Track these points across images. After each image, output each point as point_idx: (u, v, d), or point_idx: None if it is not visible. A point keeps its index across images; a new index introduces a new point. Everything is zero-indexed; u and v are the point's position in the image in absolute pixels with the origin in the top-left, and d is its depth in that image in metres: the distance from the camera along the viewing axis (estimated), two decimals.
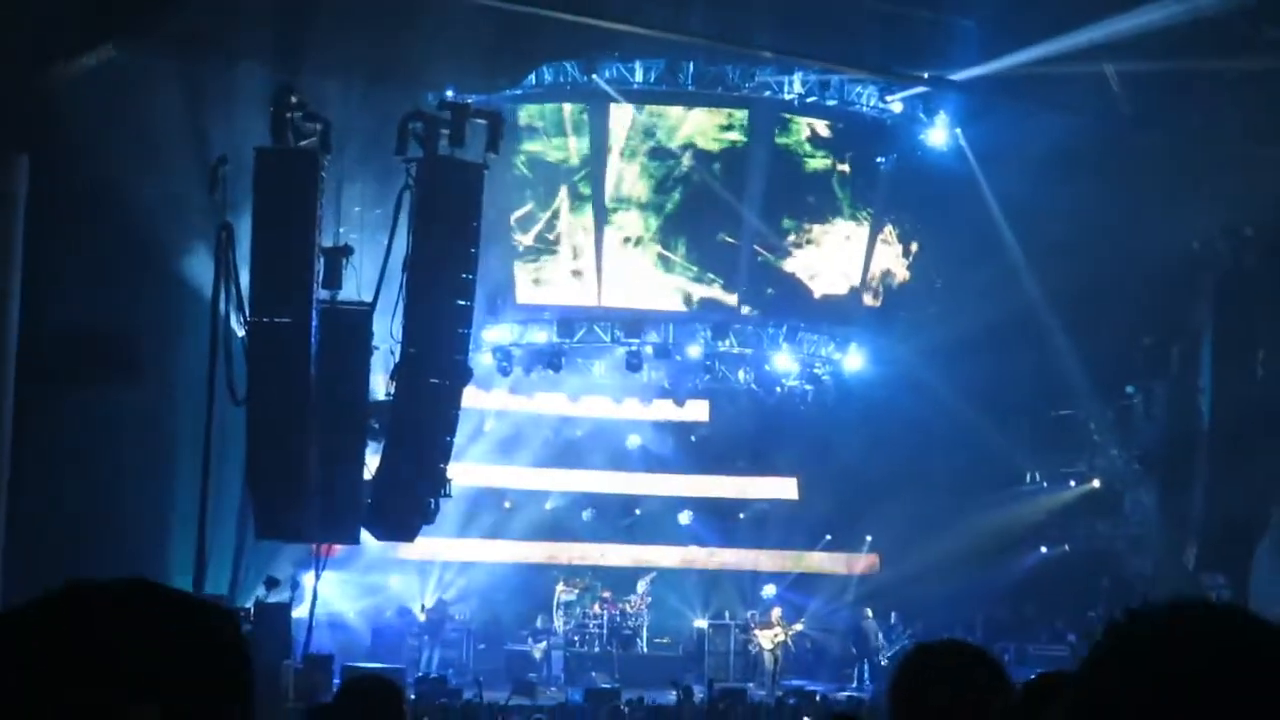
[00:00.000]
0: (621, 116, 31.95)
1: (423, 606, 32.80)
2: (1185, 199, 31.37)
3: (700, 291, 33.25)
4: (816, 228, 33.59)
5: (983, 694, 4.16)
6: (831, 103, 32.18)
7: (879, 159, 33.33)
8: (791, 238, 33.43)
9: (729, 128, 32.38)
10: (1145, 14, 25.75)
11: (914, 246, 34.63)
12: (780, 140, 32.54)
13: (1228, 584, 32.89)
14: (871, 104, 32.53)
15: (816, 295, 33.93)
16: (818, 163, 33.12)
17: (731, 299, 33.32)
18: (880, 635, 34.17)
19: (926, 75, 30.59)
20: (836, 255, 33.89)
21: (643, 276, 33.04)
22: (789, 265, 33.57)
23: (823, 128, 32.91)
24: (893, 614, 34.66)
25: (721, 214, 32.51)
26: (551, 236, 32.90)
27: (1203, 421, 33.26)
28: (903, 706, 4.23)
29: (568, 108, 32.15)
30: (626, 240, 32.79)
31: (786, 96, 31.97)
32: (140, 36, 23.10)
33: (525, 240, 32.90)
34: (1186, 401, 33.73)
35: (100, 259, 25.69)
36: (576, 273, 32.99)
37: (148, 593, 2.37)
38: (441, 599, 33.33)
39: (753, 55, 30.16)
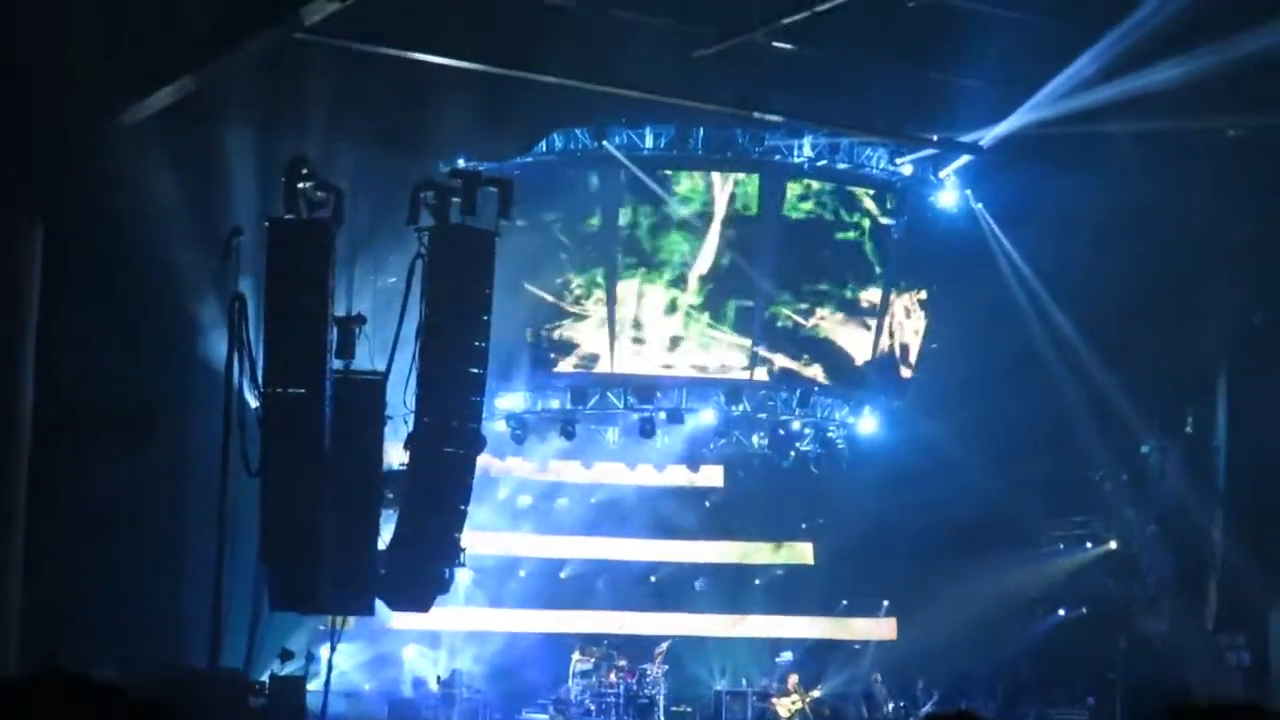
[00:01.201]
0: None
1: (438, 678, 32.57)
2: (1199, 256, 31.42)
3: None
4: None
5: None
6: (842, 165, 32.23)
7: (890, 224, 33.30)
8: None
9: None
10: (1154, 73, 25.81)
11: (926, 313, 34.57)
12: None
13: (1245, 644, 32.73)
14: (881, 166, 32.57)
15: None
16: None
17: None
18: (889, 702, 34.00)
19: (936, 137, 30.69)
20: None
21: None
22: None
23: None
24: (920, 680, 34.40)
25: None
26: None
27: (1219, 480, 33.17)
28: None
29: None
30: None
31: (796, 160, 32.01)
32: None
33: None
34: (1202, 461, 33.65)
35: (115, 328, 25.70)
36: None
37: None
38: (456, 669, 33.13)
39: (762, 120, 30.17)
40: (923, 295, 34.42)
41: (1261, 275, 32.27)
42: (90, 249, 24.73)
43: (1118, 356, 32.92)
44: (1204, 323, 33.37)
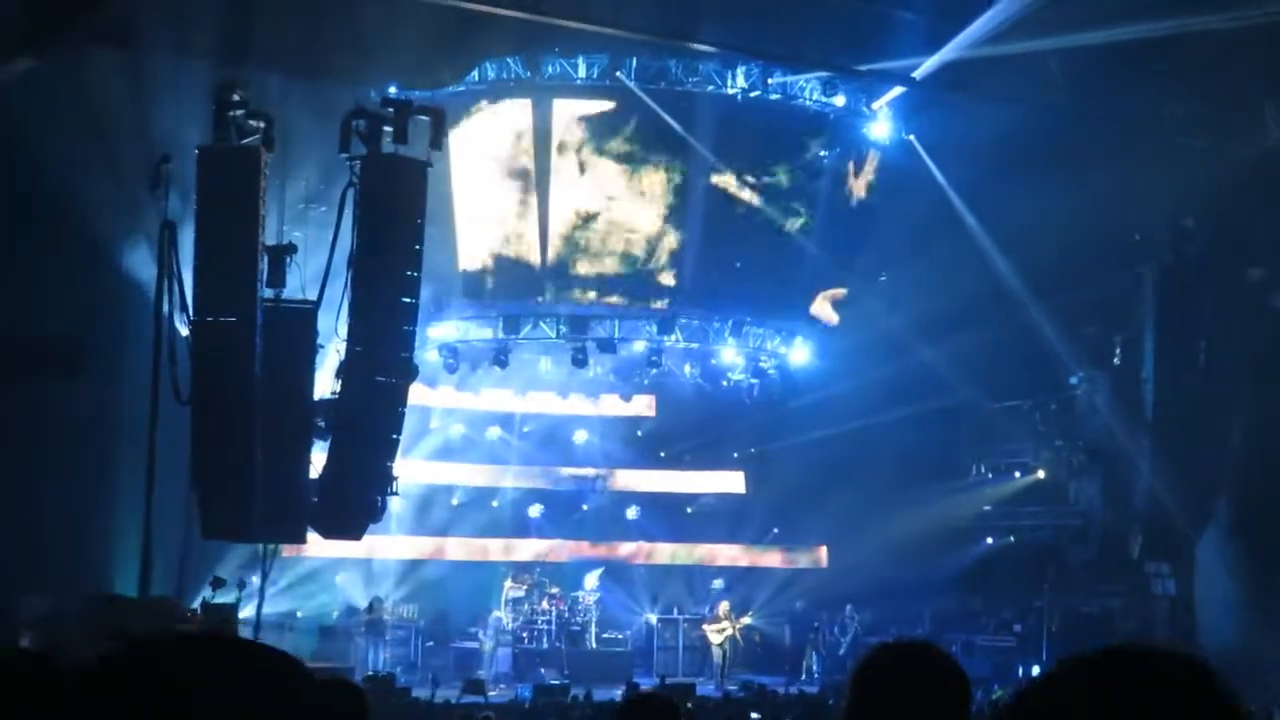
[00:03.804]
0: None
1: (369, 605, 32.65)
2: (1128, 189, 31.62)
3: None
4: None
5: (952, 701, 4.10)
6: (775, 97, 32.17)
7: (822, 154, 33.31)
8: None
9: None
10: (1085, 6, 25.94)
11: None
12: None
13: (1171, 574, 33.12)
14: (814, 98, 32.53)
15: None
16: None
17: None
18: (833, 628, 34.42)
19: (868, 69, 30.75)
20: None
21: None
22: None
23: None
24: (848, 606, 34.73)
25: None
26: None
27: (1146, 411, 33.48)
28: (868, 706, 4.17)
29: None
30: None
31: (729, 90, 31.93)
32: (67, 43, 22.93)
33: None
34: (1130, 392, 33.94)
35: (43, 259, 25.54)
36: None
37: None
38: (378, 596, 33.18)
39: (695, 51, 30.11)
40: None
41: (1190, 206, 32.52)
42: (7, 182, 24.56)
43: (1048, 288, 33.13)
44: (1133, 255, 33.65)
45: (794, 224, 33.47)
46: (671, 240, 32.91)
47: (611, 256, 33.07)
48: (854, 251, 34.55)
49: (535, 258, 32.82)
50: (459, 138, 31.04)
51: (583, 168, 32.22)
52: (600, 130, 32.09)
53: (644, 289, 33.53)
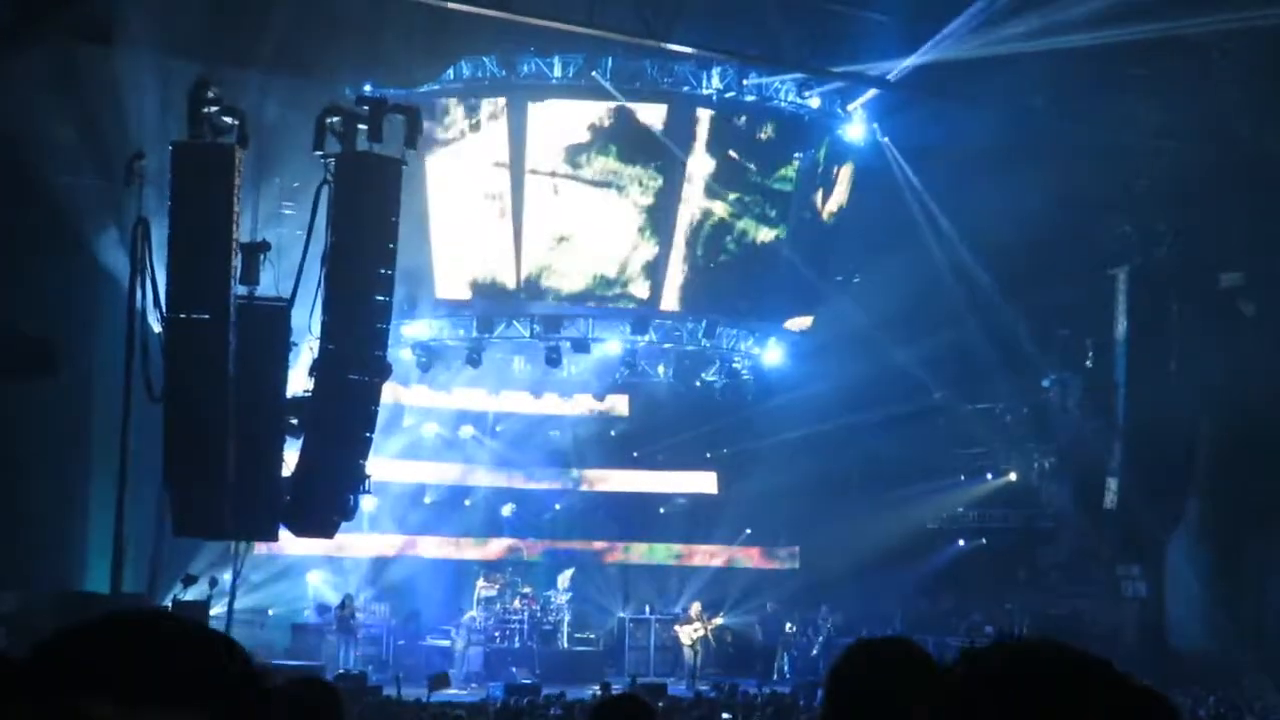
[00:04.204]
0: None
1: (341, 603, 32.61)
2: (1100, 193, 31.74)
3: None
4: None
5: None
6: (750, 98, 32.20)
7: (796, 155, 33.34)
8: None
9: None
10: (1062, 10, 26.02)
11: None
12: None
13: (1141, 575, 33.27)
14: (790, 99, 32.57)
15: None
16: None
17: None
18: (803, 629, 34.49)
19: (843, 70, 30.82)
20: None
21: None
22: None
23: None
24: (822, 607, 34.82)
25: None
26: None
27: (1117, 414, 33.62)
28: (844, 705, 4.18)
29: None
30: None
31: (705, 91, 31.95)
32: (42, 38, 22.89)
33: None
34: (1101, 395, 34.07)
35: (15, 255, 25.46)
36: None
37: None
38: (349, 594, 33.14)
39: (670, 51, 30.12)
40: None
41: (1163, 211, 32.65)
42: None
43: (1021, 291, 33.25)
44: (1105, 258, 33.76)
45: (768, 235, 33.51)
46: (646, 251, 32.88)
47: (583, 275, 33.06)
48: (826, 264, 34.59)
49: (511, 282, 32.79)
50: (435, 164, 31.21)
51: (556, 190, 32.16)
52: (575, 150, 32.02)
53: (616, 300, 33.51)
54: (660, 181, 32.19)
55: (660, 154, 31.98)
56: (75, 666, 2.27)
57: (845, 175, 33.72)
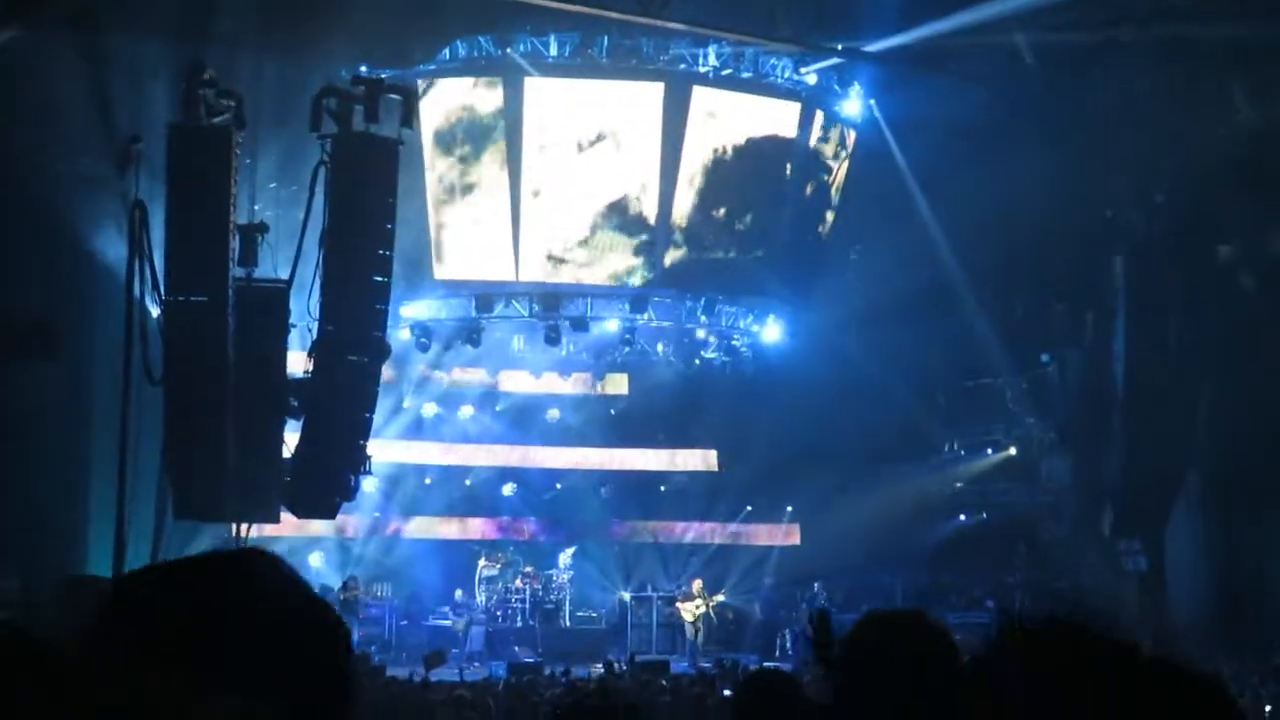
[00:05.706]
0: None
1: (344, 584, 32.64)
2: (1098, 167, 31.67)
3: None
4: None
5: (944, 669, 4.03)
6: (746, 75, 32.12)
7: (793, 132, 33.26)
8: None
9: None
10: None
11: (829, 217, 34.62)
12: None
13: (1142, 550, 33.28)
14: (786, 75, 32.49)
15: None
16: None
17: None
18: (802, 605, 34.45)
19: (840, 47, 30.75)
20: None
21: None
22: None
23: None
24: (815, 583, 34.84)
25: None
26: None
27: (1117, 389, 33.57)
28: (860, 677, 4.15)
29: None
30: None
31: (701, 69, 31.88)
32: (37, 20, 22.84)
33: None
34: (1100, 369, 34.03)
35: (13, 240, 25.43)
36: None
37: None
38: (352, 575, 33.17)
39: (667, 28, 30.05)
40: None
41: (1158, 185, 32.59)
42: None
43: (1019, 266, 33.22)
44: (1104, 233, 33.70)
45: (767, 211, 33.53)
46: (644, 225, 32.79)
47: (583, 250, 33.00)
48: (823, 241, 34.60)
49: (509, 262, 32.71)
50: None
51: (553, 167, 32.12)
52: (572, 128, 31.97)
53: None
54: (657, 158, 32.12)
55: (656, 131, 31.89)
56: (161, 621, 2.13)
57: (843, 152, 33.66)
